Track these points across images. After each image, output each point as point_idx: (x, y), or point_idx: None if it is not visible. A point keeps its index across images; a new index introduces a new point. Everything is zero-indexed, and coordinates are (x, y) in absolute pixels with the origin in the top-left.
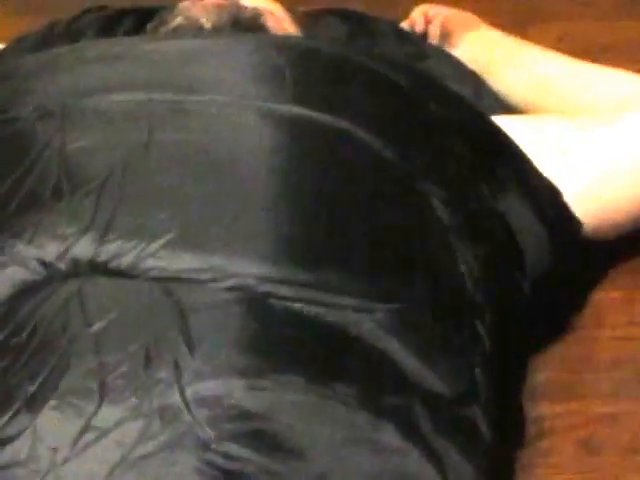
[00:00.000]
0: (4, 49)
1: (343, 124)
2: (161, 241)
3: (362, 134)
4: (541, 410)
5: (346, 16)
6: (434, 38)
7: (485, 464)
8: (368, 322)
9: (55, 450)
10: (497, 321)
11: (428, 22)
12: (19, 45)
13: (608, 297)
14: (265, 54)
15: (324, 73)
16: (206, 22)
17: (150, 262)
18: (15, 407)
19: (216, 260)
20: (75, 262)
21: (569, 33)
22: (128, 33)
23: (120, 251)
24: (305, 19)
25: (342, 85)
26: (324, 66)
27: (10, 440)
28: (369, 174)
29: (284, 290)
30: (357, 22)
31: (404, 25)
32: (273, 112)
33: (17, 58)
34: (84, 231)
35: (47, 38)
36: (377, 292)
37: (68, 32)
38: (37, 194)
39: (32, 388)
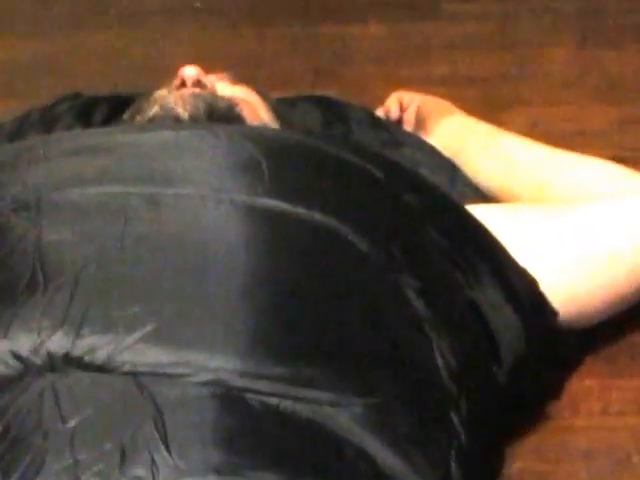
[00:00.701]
0: None
1: (318, 217)
2: (136, 335)
3: (337, 226)
4: None
5: (321, 103)
6: (409, 125)
7: None
8: (344, 417)
9: None
10: (472, 412)
11: (403, 109)
12: None
13: (583, 385)
14: (241, 146)
15: (300, 165)
16: (182, 112)
17: (125, 356)
18: None
19: (191, 354)
20: (50, 356)
21: (543, 118)
22: (104, 121)
23: (95, 345)
24: (280, 106)
25: (317, 177)
26: (300, 158)
27: None
28: (344, 266)
29: (259, 385)
30: (332, 109)
31: (379, 112)
32: (249, 205)
33: None
34: (59, 325)
35: (23, 126)
36: (353, 386)
37: (44, 120)
38: (12, 287)
39: None
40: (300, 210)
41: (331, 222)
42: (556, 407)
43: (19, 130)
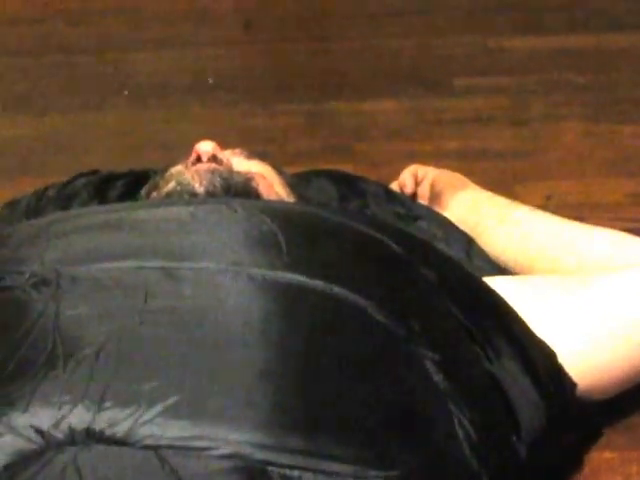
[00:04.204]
0: None
1: (337, 290)
2: (156, 409)
3: (356, 299)
4: None
5: (336, 177)
6: (423, 198)
7: None
8: None
9: None
10: None
11: (417, 183)
12: (12, 209)
13: (604, 457)
14: (258, 220)
15: (317, 239)
16: (198, 187)
17: (146, 430)
18: None
19: (211, 428)
20: (71, 430)
21: (557, 192)
22: (120, 197)
23: (116, 419)
24: (295, 181)
25: (335, 251)
26: (317, 232)
27: None
28: (363, 339)
29: (280, 457)
30: (347, 183)
31: (393, 186)
32: (267, 279)
33: (9, 224)
34: (79, 399)
35: (39, 202)
36: (373, 458)
37: (60, 196)
38: (32, 362)
39: None
40: (318, 283)
41: (350, 295)
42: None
43: (36, 206)
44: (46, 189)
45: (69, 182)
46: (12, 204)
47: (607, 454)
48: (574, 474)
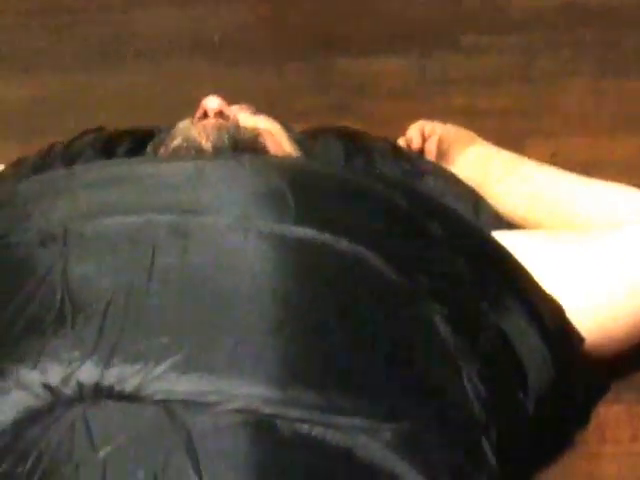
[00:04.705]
0: (2, 172)
1: (345, 244)
2: (166, 364)
3: (365, 254)
4: None
5: (343, 134)
6: (430, 155)
7: None
8: (375, 443)
9: None
10: (502, 440)
11: (424, 139)
12: (18, 168)
13: (611, 411)
14: (266, 176)
15: (324, 194)
16: (205, 143)
17: (155, 385)
18: None
19: (221, 383)
20: (80, 386)
21: (563, 149)
22: (126, 154)
23: (125, 375)
24: (302, 138)
25: (343, 206)
26: (324, 187)
27: None
28: (372, 294)
29: (290, 412)
30: (353, 140)
31: (400, 142)
32: (275, 233)
33: (16, 181)
34: (88, 355)
35: (45, 160)
36: (383, 412)
37: (66, 154)
38: (40, 318)
39: None
40: (327, 237)
41: (358, 250)
42: (584, 435)
43: (42, 164)
44: (51, 147)
45: (75, 139)
46: (18, 163)
47: (615, 408)
48: (582, 429)
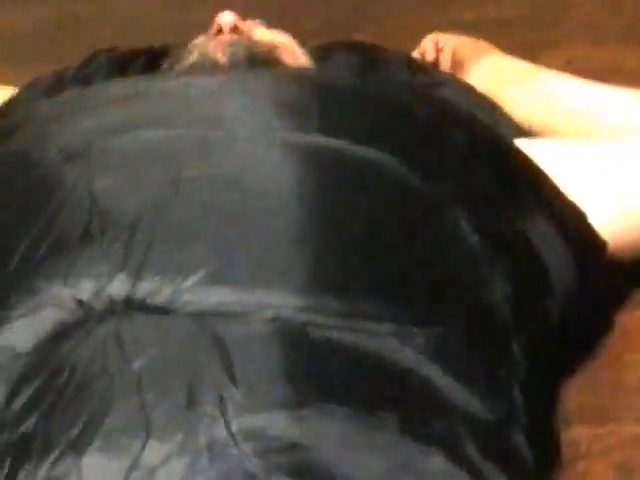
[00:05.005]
0: (18, 93)
1: (371, 153)
2: (196, 276)
3: (390, 162)
4: (575, 434)
5: (357, 48)
6: (445, 66)
7: None
8: (407, 348)
9: None
10: (531, 345)
11: (439, 50)
12: (32, 89)
13: (635, 316)
14: (286, 87)
15: (347, 104)
16: (222, 58)
17: (186, 297)
18: (59, 450)
19: (252, 293)
20: (111, 301)
21: (577, 57)
22: (141, 73)
23: (156, 288)
24: (317, 53)
25: (366, 115)
26: (346, 97)
27: None
28: (398, 201)
29: (322, 319)
30: (368, 54)
31: (415, 54)
32: (299, 143)
33: (32, 102)
34: (119, 269)
35: (59, 82)
36: (414, 318)
37: (80, 75)
38: (68, 235)
39: (75, 430)
40: (351, 146)
41: (384, 158)
42: (609, 341)
43: (56, 86)
44: (65, 70)
45: (88, 61)
46: (32, 85)
47: (638, 314)
48: (606, 335)
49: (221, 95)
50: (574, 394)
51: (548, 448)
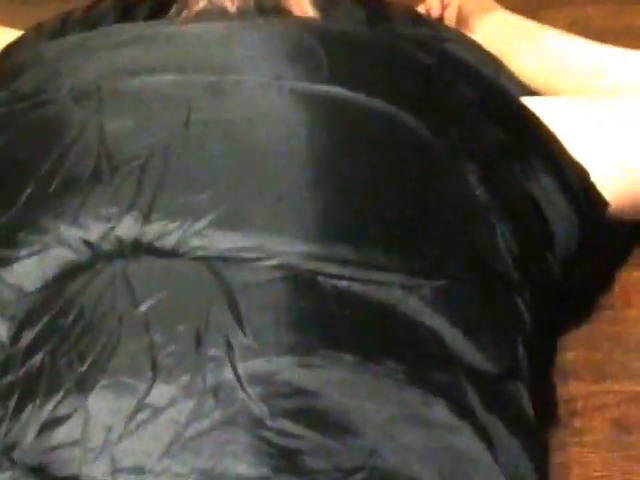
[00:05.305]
0: (23, 35)
1: (380, 104)
2: (205, 220)
3: (399, 113)
4: (573, 390)
5: (363, 1)
6: (450, 23)
7: (529, 439)
8: (414, 299)
9: (109, 429)
10: (534, 299)
11: (444, 7)
12: (38, 32)
13: (634, 276)
14: (297, 35)
15: (356, 54)
16: (231, 6)
17: (195, 241)
18: (65, 388)
19: (261, 239)
20: (120, 242)
21: (581, 18)
22: (147, 19)
23: (164, 230)
24: (324, 4)
25: (375, 66)
26: (355, 48)
27: (62, 421)
28: (408, 152)
29: (330, 268)
30: (373, 6)
31: (420, 10)
32: (311, 92)
33: (38, 44)
34: (127, 211)
35: (65, 25)
36: (421, 269)
37: (86, 19)
38: (76, 175)
39: (82, 369)
40: (361, 97)
41: (392, 109)
42: (608, 298)
43: (62, 29)
44: (70, 13)
45: (93, 6)
46: (38, 27)
47: (637, 273)
48: (606, 292)
49: (231, 41)
50: (571, 351)
51: (544, 404)
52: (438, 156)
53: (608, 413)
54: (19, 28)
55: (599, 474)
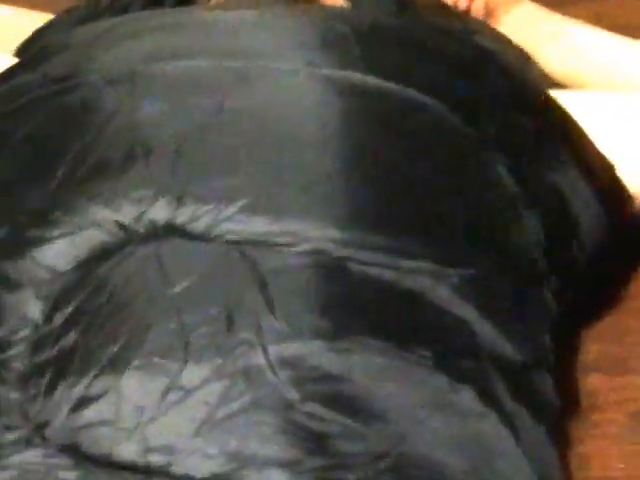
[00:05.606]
0: (54, 19)
1: (412, 93)
2: (237, 205)
3: (431, 103)
4: (594, 383)
5: None
6: (478, 15)
7: (553, 429)
8: (443, 287)
9: (141, 409)
10: (561, 290)
11: None
12: (69, 16)
13: None
14: (328, 23)
15: (387, 44)
16: None
17: (226, 225)
18: (98, 368)
19: (292, 224)
20: (152, 225)
21: (607, 12)
22: (175, 5)
23: (196, 214)
24: None
25: (408, 55)
26: (386, 37)
27: (94, 400)
28: (439, 141)
29: (361, 254)
30: None
31: (448, 2)
32: (341, 80)
33: (68, 29)
34: (160, 194)
35: (95, 10)
36: (451, 258)
37: (115, 5)
38: (110, 158)
39: (114, 349)
40: (394, 86)
41: (425, 99)
42: (632, 291)
43: (91, 14)
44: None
45: None
46: (68, 12)
47: None
48: (630, 285)
49: (262, 28)
50: (594, 342)
51: (566, 395)
52: (469, 145)
53: (628, 406)
54: (49, 12)
55: (618, 467)
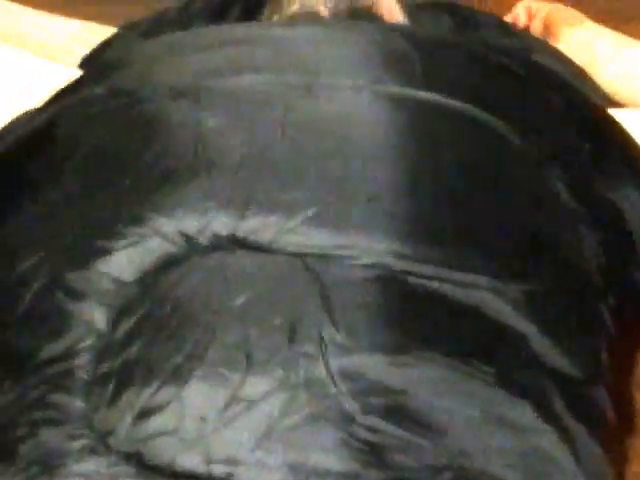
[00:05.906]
0: (117, 34)
1: (472, 110)
2: (300, 217)
3: (491, 120)
4: None
5: (451, 9)
6: (537, 33)
7: (611, 446)
8: (501, 302)
9: (203, 420)
10: (618, 307)
11: (531, 17)
12: (132, 30)
13: None
14: (392, 40)
15: (449, 61)
16: (323, 10)
17: (289, 238)
18: (161, 379)
19: (354, 238)
20: (216, 236)
21: None
22: (238, 20)
23: (259, 226)
24: (413, 10)
25: (468, 73)
26: (448, 54)
27: (157, 410)
28: (499, 158)
29: (421, 268)
30: (462, 15)
31: (507, 19)
32: (404, 97)
33: (132, 42)
34: (224, 206)
35: (159, 24)
36: (509, 273)
37: (180, 19)
38: (174, 170)
39: (178, 360)
40: (454, 103)
41: (484, 116)
42: None
43: (155, 28)
44: (165, 12)
45: (187, 5)
46: (132, 26)
47: None
48: None
49: (326, 44)
50: None
51: (623, 413)
52: (528, 161)
53: None
54: (112, 26)
55: None
